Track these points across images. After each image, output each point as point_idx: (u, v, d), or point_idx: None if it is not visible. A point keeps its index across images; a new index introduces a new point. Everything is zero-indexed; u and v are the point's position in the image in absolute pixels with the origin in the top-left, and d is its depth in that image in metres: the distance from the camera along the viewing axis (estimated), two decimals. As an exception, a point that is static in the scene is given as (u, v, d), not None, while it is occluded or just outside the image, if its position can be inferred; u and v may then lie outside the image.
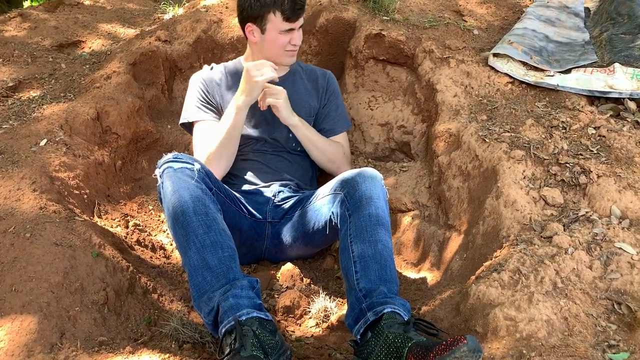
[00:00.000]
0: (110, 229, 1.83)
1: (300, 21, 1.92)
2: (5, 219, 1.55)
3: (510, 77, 2.14)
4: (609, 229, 1.45)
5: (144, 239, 1.91)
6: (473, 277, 1.46)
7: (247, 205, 1.88)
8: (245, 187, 1.96)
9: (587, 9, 2.50)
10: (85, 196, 1.88)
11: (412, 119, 2.34)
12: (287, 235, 1.89)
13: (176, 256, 1.93)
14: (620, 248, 1.39)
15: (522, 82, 2.12)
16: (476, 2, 2.72)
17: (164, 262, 1.86)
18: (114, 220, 1.94)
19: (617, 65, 1.98)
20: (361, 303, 1.42)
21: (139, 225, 1.96)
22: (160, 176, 1.58)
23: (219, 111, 2.02)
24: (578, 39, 2.32)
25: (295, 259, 1.97)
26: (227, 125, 1.86)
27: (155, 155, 2.35)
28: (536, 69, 2.12)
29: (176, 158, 1.60)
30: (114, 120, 2.16)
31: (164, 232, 2.05)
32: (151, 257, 1.85)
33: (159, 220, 2.11)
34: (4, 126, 2.04)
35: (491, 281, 1.35)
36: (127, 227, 1.93)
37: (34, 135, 1.95)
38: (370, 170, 1.66)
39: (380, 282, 1.45)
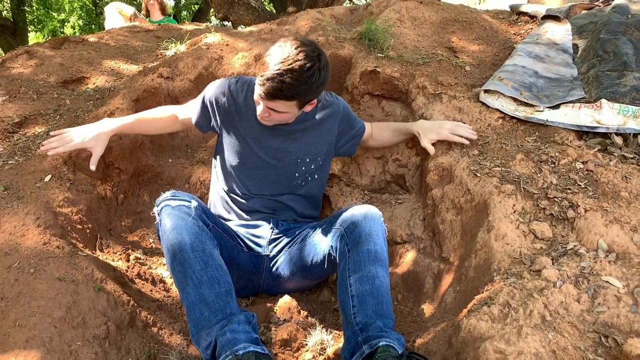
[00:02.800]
0: (112, 263, 1.87)
1: (268, 104, 1.75)
2: (10, 255, 1.60)
3: (501, 112, 2.21)
4: (596, 262, 1.49)
5: (144, 272, 1.96)
6: (465, 310, 1.50)
7: (245, 239, 1.93)
8: (244, 221, 2.00)
9: (575, 46, 2.58)
10: (88, 230, 1.93)
11: (406, 153, 2.40)
12: (285, 268, 1.92)
13: (175, 289, 1.97)
14: (607, 281, 1.43)
15: (512, 118, 2.18)
16: (468, 38, 2.81)
17: (164, 296, 1.89)
18: (116, 254, 1.99)
19: (603, 101, 2.05)
20: (357, 337, 1.46)
21: (139, 258, 2.01)
22: (158, 214, 1.63)
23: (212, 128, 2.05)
24: (567, 74, 2.39)
25: (293, 291, 2.01)
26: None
27: (156, 189, 2.41)
28: (526, 104, 2.19)
29: (174, 196, 1.66)
30: (117, 155, 2.22)
31: (164, 265, 2.09)
32: (151, 291, 1.89)
33: (159, 253, 2.15)
34: (9, 162, 2.10)
35: (482, 314, 1.38)
36: (128, 260, 1.97)
37: (39, 171, 2.01)
38: (370, 208, 1.72)
39: (377, 317, 1.49)
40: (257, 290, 2.01)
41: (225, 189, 2.04)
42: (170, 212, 1.59)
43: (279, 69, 1.64)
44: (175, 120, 2.10)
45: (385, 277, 1.58)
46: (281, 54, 1.66)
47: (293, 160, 2.00)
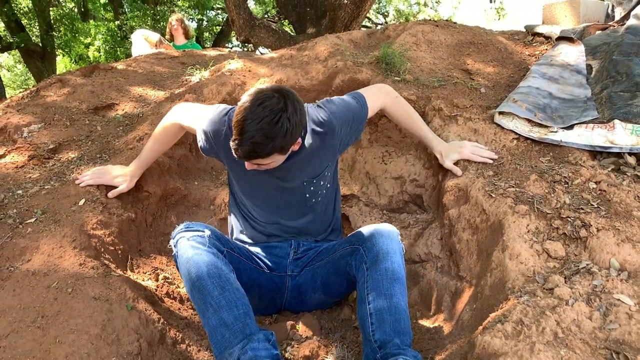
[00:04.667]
0: (142, 282, 1.97)
1: (257, 161, 1.71)
2: (49, 275, 1.70)
3: (516, 133, 2.26)
4: (608, 280, 1.53)
5: (172, 291, 2.05)
6: (480, 328, 1.55)
7: (265, 259, 2.00)
8: (264, 243, 2.06)
9: (589, 66, 2.63)
10: (120, 252, 2.03)
11: (423, 173, 2.47)
12: (307, 286, 2.00)
13: (202, 307, 2.05)
14: (618, 299, 1.47)
15: (527, 138, 2.24)
16: (483, 60, 2.88)
17: (191, 314, 1.98)
18: (145, 273, 2.08)
19: (616, 121, 2.10)
20: (375, 354, 1.53)
21: (168, 278, 2.10)
22: (174, 246, 1.73)
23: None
24: (580, 95, 2.44)
25: (315, 309, 2.08)
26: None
27: (183, 211, 2.52)
28: (540, 125, 2.25)
29: (187, 228, 1.75)
30: (146, 179, 2.33)
31: (191, 284, 2.17)
32: (179, 309, 1.98)
33: (186, 272, 2.24)
34: (46, 187, 2.22)
35: (496, 332, 1.44)
36: (157, 280, 2.06)
37: (74, 195, 2.13)
38: (387, 227, 1.78)
39: (394, 334, 1.55)
40: (279, 308, 2.09)
41: (243, 214, 2.09)
42: (185, 244, 1.68)
43: (246, 132, 1.60)
44: (180, 129, 2.20)
45: (403, 294, 1.65)
46: (245, 116, 1.61)
47: (299, 185, 1.97)
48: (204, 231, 1.74)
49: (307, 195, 2.00)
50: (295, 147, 1.81)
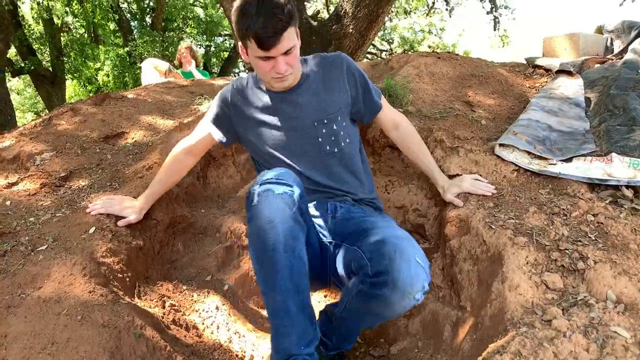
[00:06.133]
0: (149, 310, 2.01)
1: (280, 48, 1.69)
2: (60, 302, 1.75)
3: (516, 165, 2.32)
4: (605, 313, 1.57)
5: (178, 318, 2.09)
6: (480, 359, 1.58)
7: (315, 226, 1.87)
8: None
9: (588, 99, 2.70)
10: (128, 279, 2.08)
11: (425, 203, 2.52)
12: (340, 265, 1.78)
13: (207, 335, 2.09)
14: (615, 332, 1.50)
15: (527, 170, 2.29)
16: (484, 93, 2.95)
17: (197, 341, 2.02)
18: (152, 301, 2.13)
19: (614, 154, 2.15)
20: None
21: (174, 305, 2.14)
22: (257, 194, 1.52)
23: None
24: (579, 127, 2.50)
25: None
26: None
27: (189, 238, 2.57)
28: (540, 157, 2.30)
29: (278, 179, 1.54)
30: (154, 207, 2.39)
31: (196, 311, 2.22)
32: (185, 336, 2.01)
33: (192, 300, 2.28)
34: (57, 214, 2.28)
35: (494, 363, 1.47)
36: (163, 307, 2.11)
37: (84, 223, 2.18)
38: (414, 253, 1.50)
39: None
40: (325, 284, 1.98)
41: None
42: (272, 200, 1.49)
43: (260, 7, 1.62)
44: (186, 155, 2.20)
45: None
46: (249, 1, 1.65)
47: (310, 125, 1.92)
48: (293, 189, 1.54)
49: (320, 140, 1.93)
50: (298, 42, 1.79)
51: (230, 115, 2.06)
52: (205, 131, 2.14)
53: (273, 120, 1.95)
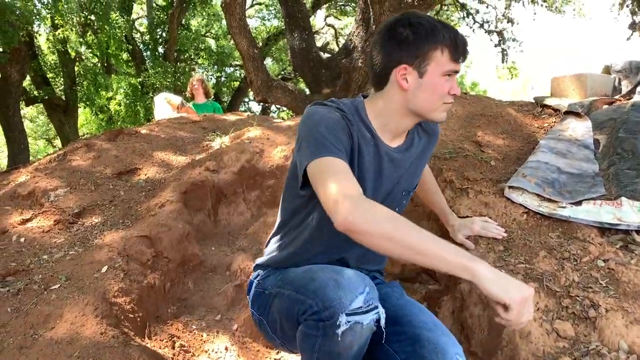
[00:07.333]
0: (159, 351, 2.02)
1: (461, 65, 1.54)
2: (72, 344, 1.76)
3: (526, 207, 2.33)
4: (617, 364, 1.56)
5: (188, 359, 2.09)
6: (491, 409, 1.58)
7: None
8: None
9: (597, 141, 2.71)
10: (139, 319, 2.09)
11: (436, 244, 2.52)
12: None
13: (217, 376, 2.09)
14: (628, 384, 1.50)
15: (536, 213, 2.30)
16: (493, 133, 2.98)
17: (206, 383, 2.02)
18: (162, 341, 2.13)
19: (624, 199, 2.15)
20: None
21: (184, 346, 2.14)
22: (343, 333, 1.24)
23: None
24: (588, 169, 2.51)
25: None
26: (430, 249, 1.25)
27: (199, 276, 2.58)
28: (549, 200, 2.31)
29: (368, 305, 1.27)
30: (166, 245, 2.42)
31: (206, 352, 2.21)
32: (194, 378, 2.01)
33: (201, 340, 2.28)
34: (70, 252, 2.31)
35: (506, 415, 1.46)
36: (173, 348, 2.11)
37: (96, 262, 2.21)
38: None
39: None
40: None
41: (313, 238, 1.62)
42: (358, 334, 1.26)
43: (446, 26, 1.49)
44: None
45: None
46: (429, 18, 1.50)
47: (399, 194, 1.69)
48: (378, 309, 1.30)
49: (397, 209, 1.65)
50: None
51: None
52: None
53: (373, 172, 1.59)
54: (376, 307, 1.29)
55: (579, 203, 2.26)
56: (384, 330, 1.32)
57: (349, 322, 1.23)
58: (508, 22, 11.62)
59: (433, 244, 1.27)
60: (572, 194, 2.33)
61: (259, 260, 1.77)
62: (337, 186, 1.31)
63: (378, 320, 1.29)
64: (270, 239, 1.75)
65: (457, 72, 1.52)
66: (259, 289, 1.65)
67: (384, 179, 1.61)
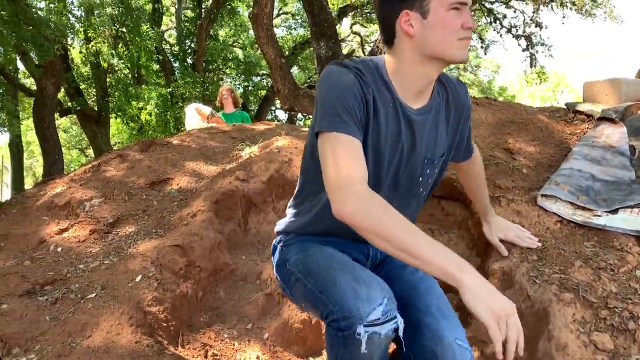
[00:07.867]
0: (192, 359, 2.04)
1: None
2: (108, 353, 1.80)
3: (559, 216, 2.29)
4: (658, 378, 1.52)
5: (220, 368, 2.11)
6: (527, 422, 1.55)
7: None
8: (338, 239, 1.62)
9: (632, 147, 2.65)
10: (172, 328, 2.12)
11: (467, 253, 2.50)
12: None
13: (249, 385, 2.10)
14: (670, 398, 1.45)
15: (570, 222, 2.26)
16: (524, 140, 2.94)
17: (239, 392, 2.03)
18: (195, 349, 2.16)
19: (662, 206, 2.10)
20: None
21: (216, 355, 2.16)
22: (365, 343, 1.25)
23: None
24: (624, 177, 2.46)
25: None
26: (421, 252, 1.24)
27: (230, 285, 2.60)
28: (584, 208, 2.26)
29: (386, 316, 1.27)
30: (198, 254, 2.45)
31: (238, 360, 2.24)
32: (227, 387, 2.03)
33: (233, 349, 2.30)
34: (105, 262, 2.36)
35: None
36: (206, 356, 2.13)
37: (131, 271, 2.25)
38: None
39: None
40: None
41: None
42: (376, 343, 1.27)
43: None
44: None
45: None
46: None
47: (420, 161, 1.57)
48: (397, 319, 1.31)
49: (420, 179, 1.60)
50: None
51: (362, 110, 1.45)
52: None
53: (390, 135, 1.49)
54: (394, 318, 1.29)
55: (615, 211, 2.21)
56: (402, 339, 1.32)
57: (367, 332, 1.24)
58: (536, 26, 11.47)
59: (427, 247, 1.26)
60: (607, 202, 2.28)
61: (280, 224, 1.73)
62: (339, 171, 1.29)
63: (396, 330, 1.29)
64: (292, 202, 1.71)
65: (464, 3, 1.41)
66: (281, 257, 1.64)
67: (403, 143, 1.51)
